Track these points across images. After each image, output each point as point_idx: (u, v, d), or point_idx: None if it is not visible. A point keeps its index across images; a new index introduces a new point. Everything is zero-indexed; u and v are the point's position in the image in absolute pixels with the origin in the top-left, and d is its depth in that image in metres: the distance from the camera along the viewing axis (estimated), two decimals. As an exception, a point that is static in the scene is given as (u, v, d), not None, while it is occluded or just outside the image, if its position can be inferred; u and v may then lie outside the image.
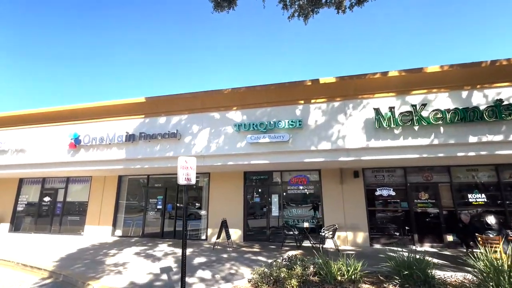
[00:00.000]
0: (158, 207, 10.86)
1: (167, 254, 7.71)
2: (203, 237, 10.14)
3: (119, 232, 11.11)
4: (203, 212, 10.53)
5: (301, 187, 9.76)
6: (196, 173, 10.63)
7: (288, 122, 7.48)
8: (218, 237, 8.31)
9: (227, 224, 8.66)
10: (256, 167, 8.97)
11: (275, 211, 9.66)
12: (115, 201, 11.25)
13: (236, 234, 9.65)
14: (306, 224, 8.43)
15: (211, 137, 8.16)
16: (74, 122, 9.44)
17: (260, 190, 10.27)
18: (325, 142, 7.27)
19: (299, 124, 7.41)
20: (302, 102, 7.68)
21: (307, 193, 9.69)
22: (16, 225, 12.46)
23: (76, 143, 9.08)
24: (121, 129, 8.90)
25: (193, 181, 4.73)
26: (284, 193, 9.79)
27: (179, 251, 8.04)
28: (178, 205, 10.73)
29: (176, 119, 8.57)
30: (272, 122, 7.62)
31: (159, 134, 8.45)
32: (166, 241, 9.85)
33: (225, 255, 7.44)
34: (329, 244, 8.08)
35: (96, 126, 9.21)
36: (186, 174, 4.58)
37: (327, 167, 8.97)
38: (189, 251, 8.01)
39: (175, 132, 8.34)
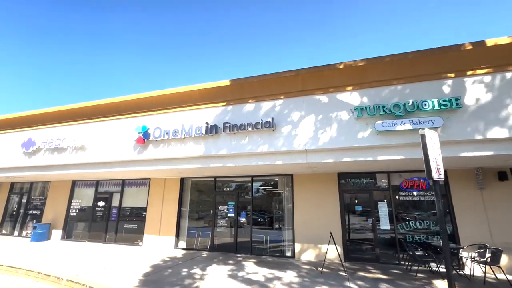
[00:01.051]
0: (229, 215, 9.15)
1: (269, 278, 5.87)
2: (288, 253, 8.24)
3: (182, 244, 9.53)
4: (285, 223, 8.66)
5: (415, 193, 7.60)
6: (276, 175, 8.94)
7: (438, 101, 5.45)
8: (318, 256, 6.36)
9: (333, 239, 6.71)
10: (367, 166, 6.97)
11: (384, 223, 7.56)
12: (177, 207, 9.73)
13: (332, 252, 7.65)
14: (436, 242, 6.25)
15: (318, 126, 6.33)
16: (142, 114, 8.08)
17: (360, 196, 8.22)
18: (497, 128, 5.14)
19: (456, 104, 5.35)
20: (453, 75, 5.63)
21: (426, 200, 7.49)
22: (68, 232, 11.38)
23: (145, 137, 7.66)
24: (199, 120, 7.36)
25: (442, 176, 2.82)
26: (394, 200, 7.67)
27: (279, 273, 6.20)
28: (253, 213, 8.95)
29: (269, 105, 6.87)
30: (411, 103, 5.63)
31: (248, 124, 6.76)
32: (245, 257, 8.07)
33: (354, 286, 5.45)
34: (472, 269, 5.82)
35: (168, 117, 7.76)
36: (435, 161, 2.68)
37: (486, 164, 6.62)
38: (291, 276, 6.14)
39: (270, 121, 6.61)
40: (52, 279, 5.81)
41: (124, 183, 11.00)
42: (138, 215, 10.47)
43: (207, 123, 7.17)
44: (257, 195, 9.21)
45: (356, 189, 8.19)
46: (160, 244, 9.54)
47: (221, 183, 9.68)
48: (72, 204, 11.65)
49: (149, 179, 10.51)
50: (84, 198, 11.57)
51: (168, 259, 7.73)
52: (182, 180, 10.05)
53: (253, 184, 9.18)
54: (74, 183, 11.85)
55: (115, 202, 10.95)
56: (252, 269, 6.65)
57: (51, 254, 8.27)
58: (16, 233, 12.41)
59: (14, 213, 12.75)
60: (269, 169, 7.75)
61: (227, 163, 7.06)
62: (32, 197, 12.66)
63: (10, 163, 9.87)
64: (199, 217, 9.88)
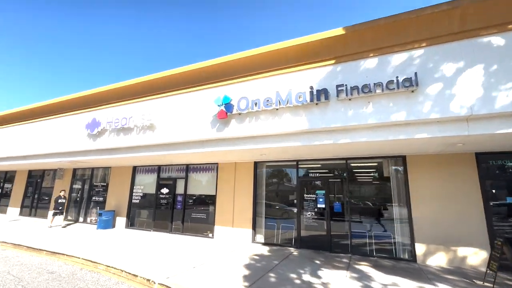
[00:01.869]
0: (319, 205, 7.58)
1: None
2: (404, 255, 6.48)
3: (260, 238, 8.23)
4: (395, 216, 6.85)
5: None
6: (379, 157, 7.09)
7: None
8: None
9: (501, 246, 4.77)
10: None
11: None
12: (252, 196, 8.40)
13: (476, 256, 5.73)
14: None
15: (492, 82, 4.32)
16: (223, 83, 6.69)
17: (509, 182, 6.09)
18: None
19: None
20: None
21: None
22: (131, 220, 10.77)
23: (228, 110, 6.27)
24: (298, 85, 5.75)
25: None
26: None
27: (429, 287, 4.48)
28: (350, 202, 7.27)
29: (401, 59, 5.00)
30: None
31: (376, 84, 4.98)
32: (347, 257, 6.50)
33: None
34: None
35: (256, 84, 6.27)
36: None
37: None
38: (452, 291, 4.38)
39: (411, 78, 4.75)
40: (140, 280, 4.75)
41: (188, 168, 9.97)
42: (206, 203, 9.39)
43: (311, 87, 5.51)
44: (354, 181, 7.49)
45: (503, 174, 6.06)
46: (234, 236, 8.35)
47: (306, 167, 8.10)
48: (134, 190, 10.99)
49: (217, 163, 9.32)
50: (146, 184, 10.82)
51: (257, 257, 6.42)
52: (256, 164, 8.66)
53: (348, 167, 7.46)
54: (135, 169, 11.17)
55: (179, 189, 9.99)
56: (379, 277, 5.02)
57: (121, 245, 7.46)
58: (81, 219, 12.23)
59: (77, 199, 12.57)
60: (374, 148, 5.97)
61: (339, 139, 5.38)
62: (94, 183, 12.32)
63: (74, 146, 9.28)
64: (278, 207, 8.46)
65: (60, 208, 10.97)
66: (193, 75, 7.00)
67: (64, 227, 10.81)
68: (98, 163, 10.58)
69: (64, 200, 11.18)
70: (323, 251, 7.19)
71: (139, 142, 7.80)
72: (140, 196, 10.81)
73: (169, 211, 9.92)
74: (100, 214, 10.43)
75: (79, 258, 6.00)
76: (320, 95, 5.38)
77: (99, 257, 5.94)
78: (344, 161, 7.49)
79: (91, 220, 11.88)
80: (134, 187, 11.02)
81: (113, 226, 10.66)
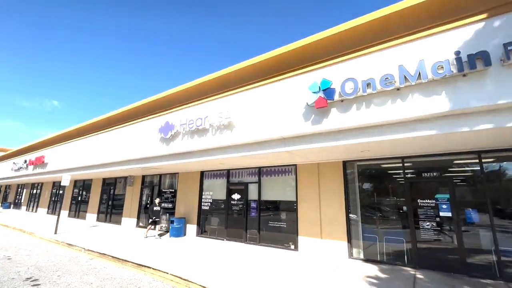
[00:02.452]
0: (442, 213, 5.88)
1: None
2: None
3: (358, 253, 6.81)
4: None
5: None
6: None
7: None
8: None
9: None
10: None
11: None
12: (344, 202, 7.06)
13: None
14: None
15: None
16: (318, 66, 5.59)
17: None
18: None
19: None
20: None
21: None
22: (202, 228, 10.27)
23: (328, 96, 5.12)
24: (436, 52, 4.32)
25: None
26: None
27: None
28: (495, 208, 5.43)
29: None
30: None
31: None
32: (508, 286, 4.70)
33: None
34: None
35: (367, 61, 5.00)
36: None
37: None
38: None
39: None
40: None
41: (260, 171, 9.07)
42: (285, 210, 8.33)
43: (457, 52, 4.04)
44: (493, 181, 5.64)
45: None
46: (323, 250, 7.09)
47: (416, 165, 6.48)
48: (203, 196, 10.51)
49: (295, 165, 8.22)
50: (216, 190, 10.25)
51: (370, 280, 5.05)
52: (345, 164, 7.31)
53: (481, 163, 5.65)
54: (202, 174, 10.72)
55: (252, 195, 9.14)
56: None
57: (201, 257, 6.78)
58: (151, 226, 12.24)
59: (148, 206, 12.67)
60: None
61: (509, 122, 3.78)
62: (163, 190, 12.28)
63: (147, 152, 9.12)
64: (379, 216, 6.96)
65: (155, 217, 10.07)
66: (280, 60, 6.08)
67: (158, 236, 9.95)
68: (167, 168, 10.37)
69: (159, 208, 10.21)
70: (455, 273, 5.47)
71: (215, 143, 7.13)
72: (210, 202, 10.26)
73: (242, 219, 9.12)
74: (172, 222, 10.14)
75: (167, 273, 5.40)
76: (474, 62, 3.87)
77: (187, 274, 5.25)
78: (476, 156, 5.70)
79: (161, 227, 11.78)
80: (203, 193, 10.55)
81: (184, 234, 10.28)
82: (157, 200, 10.42)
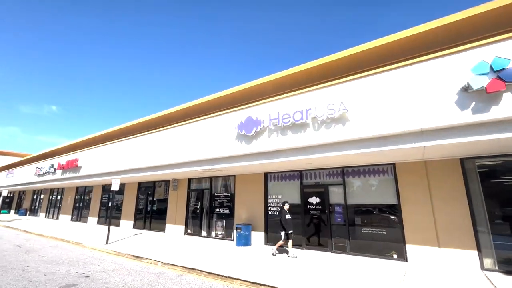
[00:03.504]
0: None
1: None
2: None
3: (493, 264, 5.87)
4: None
5: None
6: None
7: None
8: None
9: None
10: None
11: None
12: (467, 205, 6.17)
13: None
14: None
15: None
16: (483, 42, 4.69)
17: None
18: None
19: None
20: None
21: None
22: (270, 235, 9.31)
23: (507, 78, 4.21)
24: None
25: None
26: None
27: None
28: None
29: None
30: None
31: None
32: None
33: None
34: None
35: None
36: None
37: None
38: None
39: None
40: None
41: (344, 172, 8.16)
42: (383, 215, 7.41)
43: None
44: None
45: None
46: (442, 260, 6.17)
47: None
48: (270, 200, 9.57)
49: (393, 164, 7.32)
50: (285, 193, 9.32)
51: None
52: (462, 162, 6.42)
53: None
54: (266, 176, 9.79)
55: (335, 198, 8.22)
56: None
57: (286, 270, 5.83)
58: (203, 233, 11.29)
59: (197, 211, 11.72)
60: None
61: None
62: (215, 194, 11.34)
63: (216, 152, 8.21)
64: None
65: (287, 228, 7.44)
66: (420, 39, 5.17)
67: (291, 256, 7.38)
68: (236, 170, 9.42)
69: (290, 217, 7.58)
70: None
71: (319, 140, 6.22)
72: (279, 207, 9.31)
73: (324, 225, 8.19)
74: (238, 229, 9.19)
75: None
76: None
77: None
78: None
79: (216, 234, 10.83)
80: (269, 197, 9.61)
81: (250, 243, 9.32)
82: (286, 206, 7.78)
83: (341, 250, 7.77)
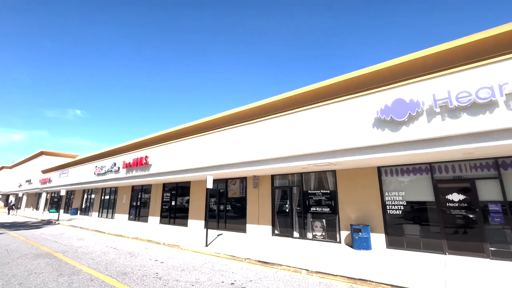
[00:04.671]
0: None
1: None
2: None
3: None
4: None
5: None
6: None
7: None
8: None
9: None
10: None
11: None
12: None
13: None
14: None
15: None
16: None
17: None
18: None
19: None
20: None
21: None
22: (391, 238, 8.13)
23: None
24: None
25: None
26: None
27: None
28: None
29: None
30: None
31: None
32: None
33: None
34: None
35: None
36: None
37: None
38: None
39: None
40: None
41: (498, 163, 6.83)
42: None
43: None
44: None
45: None
46: None
47: None
48: (387, 198, 8.40)
49: None
50: (408, 189, 8.11)
51: None
52: None
53: None
54: (379, 170, 8.62)
55: (487, 195, 6.92)
56: None
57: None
58: (295, 234, 10.31)
59: (286, 210, 10.76)
60: None
61: None
62: (309, 191, 10.31)
63: (342, 143, 7.13)
64: None
65: None
66: None
67: None
68: (345, 164, 8.33)
69: None
70: None
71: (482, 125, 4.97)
72: (402, 205, 8.13)
73: (473, 227, 6.92)
74: (357, 230, 8.09)
75: None
76: None
77: None
78: None
79: (314, 235, 9.80)
80: (385, 193, 8.44)
81: (371, 246, 8.20)
82: None
83: (503, 256, 6.48)
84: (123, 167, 15.24)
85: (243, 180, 12.62)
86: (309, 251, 7.91)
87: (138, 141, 15.33)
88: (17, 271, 6.12)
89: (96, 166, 18.29)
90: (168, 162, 12.77)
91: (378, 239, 8.24)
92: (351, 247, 8.30)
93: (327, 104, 7.60)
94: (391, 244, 8.09)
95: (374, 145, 6.72)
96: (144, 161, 13.68)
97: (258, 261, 6.79)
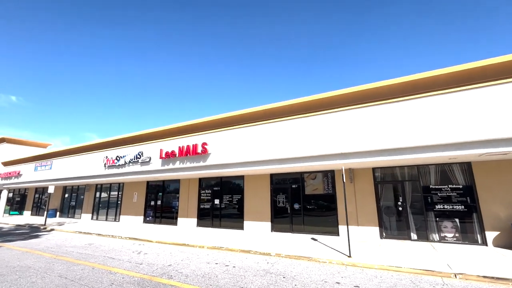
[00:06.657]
0: None
1: None
2: None
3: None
4: None
5: None
6: None
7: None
8: None
9: None
10: None
11: None
12: None
13: None
14: None
15: None
16: None
17: None
18: None
19: None
20: None
21: None
22: None
23: None
24: None
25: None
26: None
27: None
28: None
29: None
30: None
31: None
32: None
33: None
34: None
35: None
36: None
37: None
38: None
39: None
40: None
41: None
42: None
43: None
44: None
45: None
46: None
47: None
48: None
49: None
50: None
51: None
52: None
53: None
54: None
55: None
56: None
57: None
58: (413, 236, 8.87)
59: (400, 208, 9.23)
60: None
61: None
62: (431, 186, 8.93)
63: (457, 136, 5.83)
64: None
65: None
66: None
67: None
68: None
69: None
70: None
71: None
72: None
73: None
74: (531, 231, 6.92)
75: None
76: None
77: None
78: None
79: (444, 236, 8.46)
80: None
81: (538, 248, 7.13)
82: None
83: None
84: (160, 158, 12.07)
85: (326, 173, 10.75)
86: (476, 257, 6.49)
87: (187, 124, 12.29)
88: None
89: (106, 156, 14.49)
90: (236, 151, 10.25)
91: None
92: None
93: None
94: None
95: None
96: (201, 149, 10.86)
97: (484, 277, 5.11)
